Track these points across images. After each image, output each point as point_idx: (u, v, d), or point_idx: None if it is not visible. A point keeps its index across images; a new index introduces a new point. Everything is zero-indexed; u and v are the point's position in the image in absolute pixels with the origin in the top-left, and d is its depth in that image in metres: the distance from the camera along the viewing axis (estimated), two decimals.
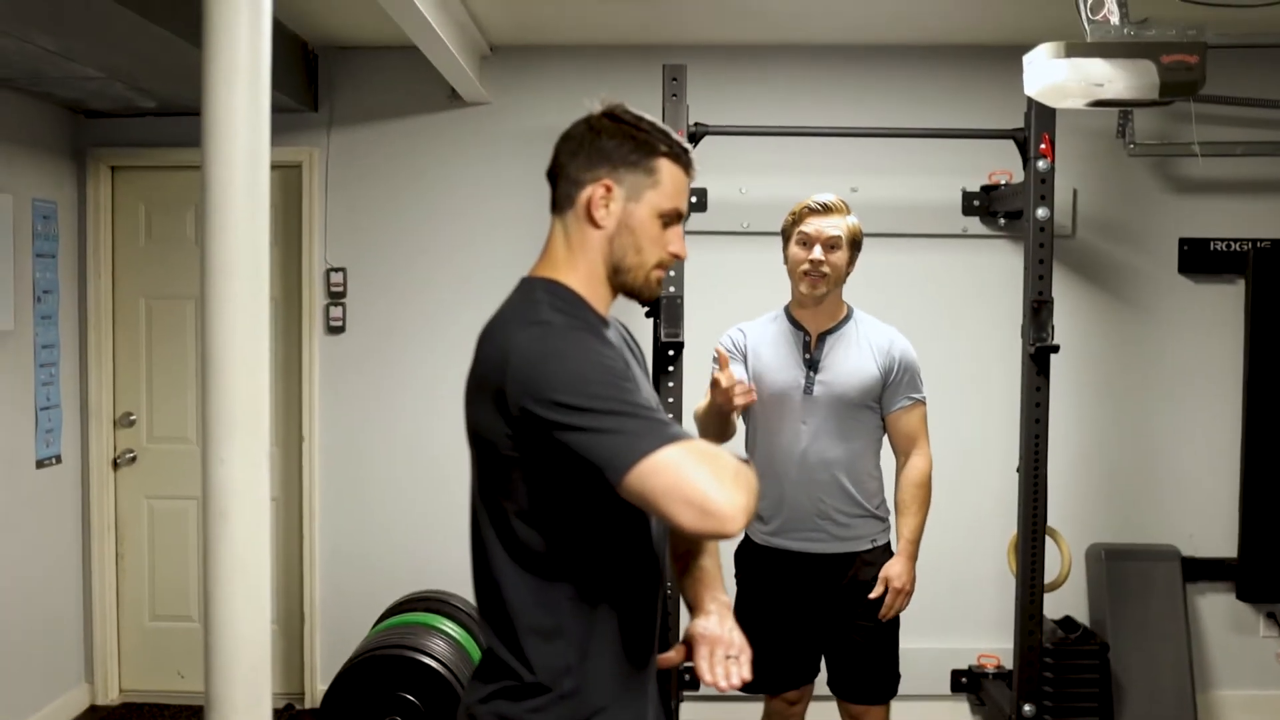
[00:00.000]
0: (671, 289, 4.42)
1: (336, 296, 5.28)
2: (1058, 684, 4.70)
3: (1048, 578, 4.67)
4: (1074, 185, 5.18)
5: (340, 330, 5.29)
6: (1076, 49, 3.30)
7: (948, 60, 5.18)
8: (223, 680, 1.94)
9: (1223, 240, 5.21)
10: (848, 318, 3.56)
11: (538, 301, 1.94)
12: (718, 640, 2.00)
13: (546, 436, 1.77)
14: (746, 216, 5.08)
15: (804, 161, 5.06)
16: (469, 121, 5.27)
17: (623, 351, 1.95)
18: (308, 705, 5.22)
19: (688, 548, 2.15)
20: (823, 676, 3.64)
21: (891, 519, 3.58)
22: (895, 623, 3.54)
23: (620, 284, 2.01)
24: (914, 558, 3.48)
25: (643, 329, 5.00)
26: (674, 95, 4.38)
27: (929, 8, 4.66)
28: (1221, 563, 5.18)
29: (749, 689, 3.50)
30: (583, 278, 1.99)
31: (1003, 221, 5.17)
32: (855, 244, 3.50)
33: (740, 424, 3.49)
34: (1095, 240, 5.24)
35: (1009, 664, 4.84)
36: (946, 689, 5.23)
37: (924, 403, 3.56)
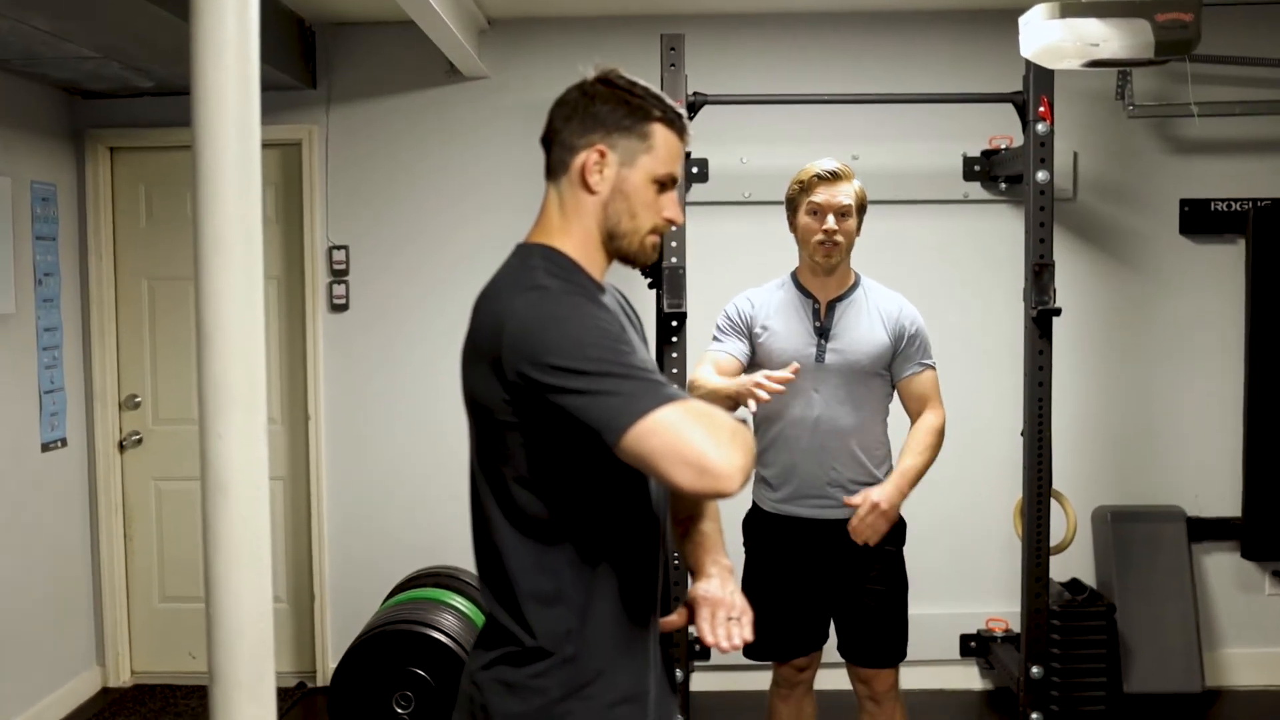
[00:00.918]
0: (673, 259, 4.41)
1: (339, 274, 5.28)
2: (1065, 646, 4.72)
3: (1053, 541, 4.68)
4: (1074, 148, 5.17)
5: (344, 308, 5.29)
6: (1071, 9, 3.29)
7: (946, 25, 5.16)
8: (226, 657, 1.93)
9: (1223, 200, 5.20)
10: (855, 285, 3.55)
11: (533, 267, 1.93)
12: (719, 602, 2.01)
13: (543, 401, 1.78)
14: (747, 186, 5.07)
15: (804, 130, 5.05)
16: (468, 96, 5.26)
17: (618, 316, 1.95)
18: (320, 682, 5.25)
19: (689, 512, 2.16)
20: (831, 642, 3.65)
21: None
22: (903, 587, 3.55)
23: (615, 249, 2.00)
24: (903, 491, 3.41)
25: (645, 300, 5.00)
26: (672, 65, 4.37)
27: None
28: (1226, 522, 5.20)
29: (758, 655, 3.53)
30: (578, 243, 1.98)
31: (1003, 186, 5.16)
32: (862, 209, 3.50)
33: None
34: (1096, 203, 5.24)
35: (1017, 627, 4.85)
36: (956, 653, 5.25)
37: (934, 368, 3.54)
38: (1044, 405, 4.51)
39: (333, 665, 4.82)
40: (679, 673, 4.56)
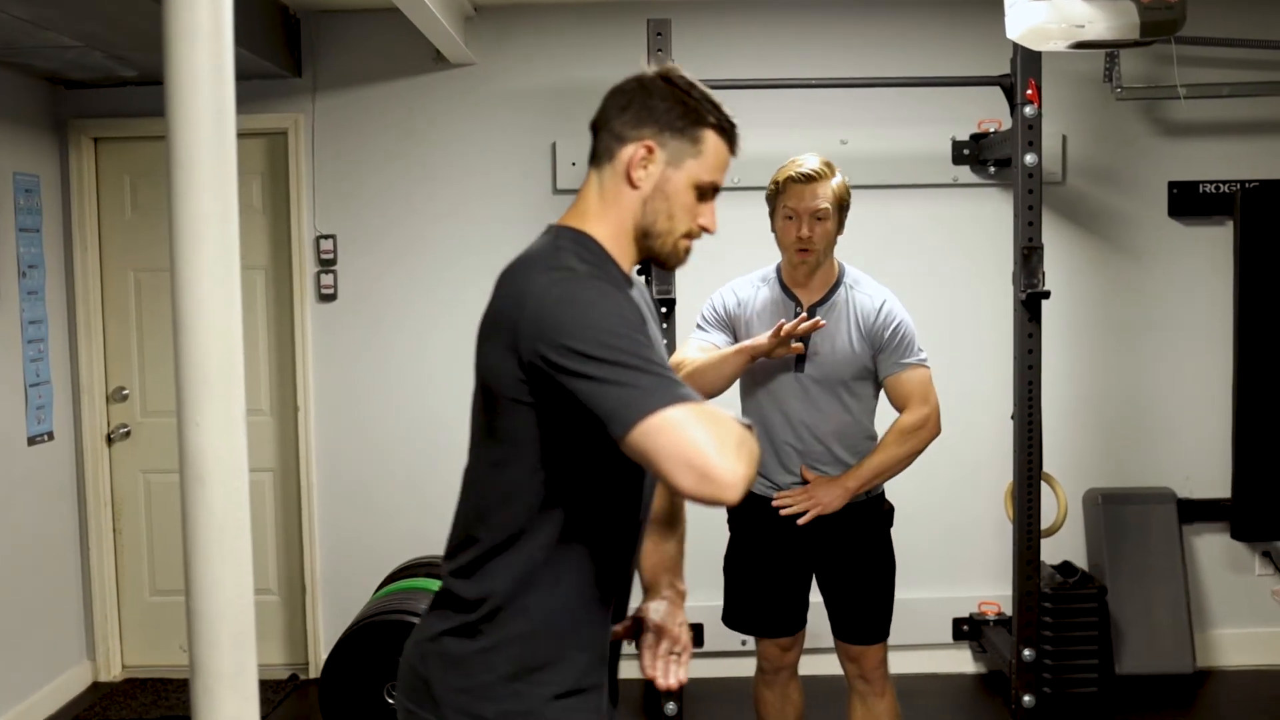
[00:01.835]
0: None
1: (327, 264, 5.25)
2: (1057, 628, 4.73)
3: (1044, 523, 4.69)
4: (1063, 132, 5.17)
5: (332, 298, 5.27)
6: None
7: (934, 8, 5.15)
8: (207, 649, 1.92)
9: (1211, 182, 5.20)
10: (838, 283, 3.48)
11: (562, 249, 1.92)
12: (666, 632, 2.02)
13: (555, 382, 1.76)
14: (737, 172, 4.97)
15: (792, 115, 5.04)
16: (454, 83, 5.24)
17: (641, 309, 1.92)
18: (312, 674, 5.23)
19: (662, 521, 2.15)
20: (817, 629, 3.64)
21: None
22: (890, 565, 3.53)
23: (647, 247, 1.98)
24: (850, 490, 3.39)
25: None
26: (659, 50, 4.35)
27: None
28: (1217, 504, 5.21)
29: (738, 627, 3.52)
30: (611, 233, 1.97)
31: (993, 170, 5.15)
32: (843, 207, 3.43)
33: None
34: (1085, 186, 5.23)
35: (1009, 611, 4.85)
36: (948, 637, 5.26)
37: (924, 365, 3.45)
38: (1034, 388, 4.51)
39: (324, 657, 4.80)
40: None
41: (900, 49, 5.11)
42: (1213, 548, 5.32)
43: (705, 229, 1.99)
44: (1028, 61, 4.35)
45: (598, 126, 1.99)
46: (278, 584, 5.42)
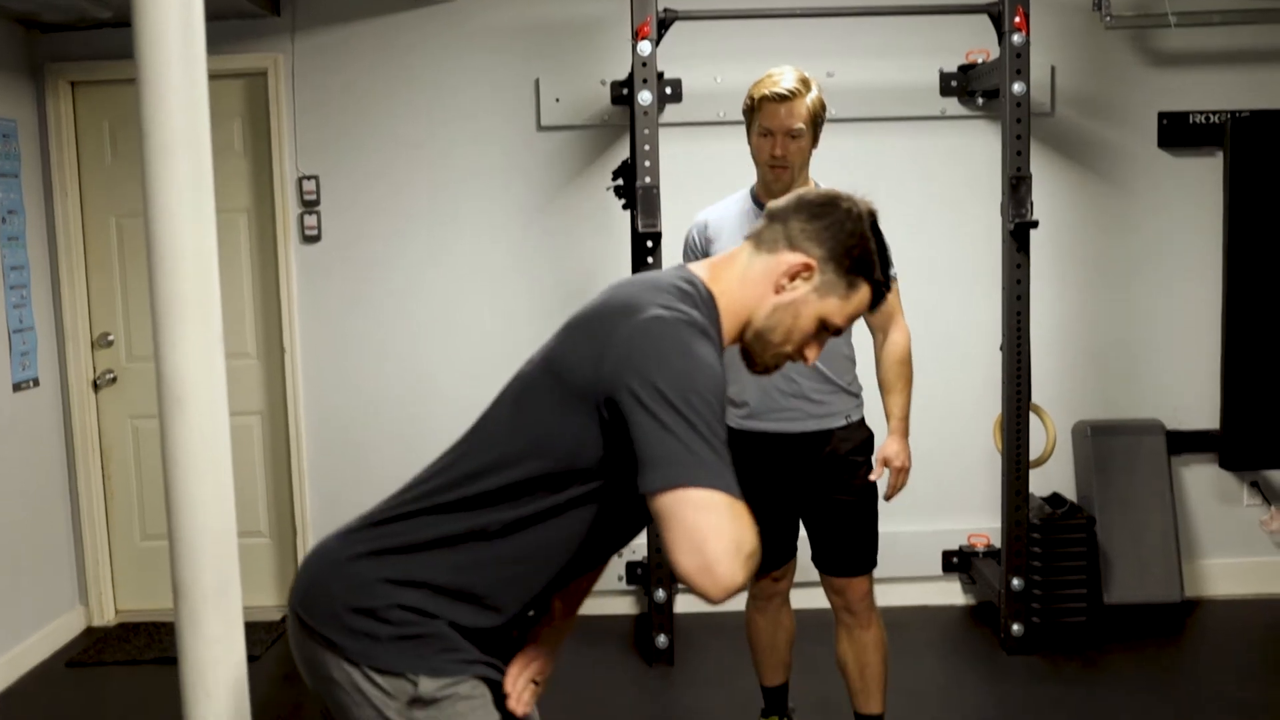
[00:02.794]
0: (647, 179, 4.38)
1: (310, 205, 5.21)
2: (1046, 558, 4.75)
3: (1033, 455, 4.70)
4: (1052, 62, 5.13)
5: (315, 239, 5.23)
6: None
7: None
8: (190, 572, 1.91)
9: (1201, 113, 5.16)
10: None
11: (689, 295, 1.91)
12: (536, 658, 2.05)
13: (619, 409, 1.75)
14: (722, 105, 5.01)
15: (779, 46, 4.97)
16: (436, 20, 5.17)
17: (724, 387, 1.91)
18: None
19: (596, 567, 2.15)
20: (807, 564, 3.65)
21: (864, 395, 3.56)
22: (873, 496, 3.54)
23: (747, 341, 2.00)
24: (907, 434, 3.47)
25: (620, 220, 4.97)
26: None
27: None
28: (1205, 434, 5.22)
29: None
30: (732, 309, 1.96)
31: (981, 101, 5.11)
32: (817, 123, 3.43)
33: None
34: (1074, 116, 5.20)
35: (999, 543, 4.88)
36: (938, 570, 5.28)
37: (894, 278, 3.45)
38: (1022, 319, 4.50)
39: None
40: (660, 593, 4.59)
41: None
42: (1201, 478, 5.33)
43: (805, 359, 2.02)
44: None
45: (776, 215, 2.00)
46: (268, 526, 5.42)
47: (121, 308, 5.36)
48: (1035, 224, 4.39)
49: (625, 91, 4.95)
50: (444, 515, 1.88)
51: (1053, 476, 5.15)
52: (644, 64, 4.37)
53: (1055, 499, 4.97)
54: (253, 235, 5.31)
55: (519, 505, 1.87)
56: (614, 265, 5.08)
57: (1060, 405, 5.14)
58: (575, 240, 5.23)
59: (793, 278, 1.94)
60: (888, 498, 3.47)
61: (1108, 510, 5.07)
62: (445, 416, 5.25)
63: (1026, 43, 4.33)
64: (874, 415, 3.52)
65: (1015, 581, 4.64)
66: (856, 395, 3.54)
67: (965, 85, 5.10)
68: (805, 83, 3.39)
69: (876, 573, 3.58)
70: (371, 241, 5.25)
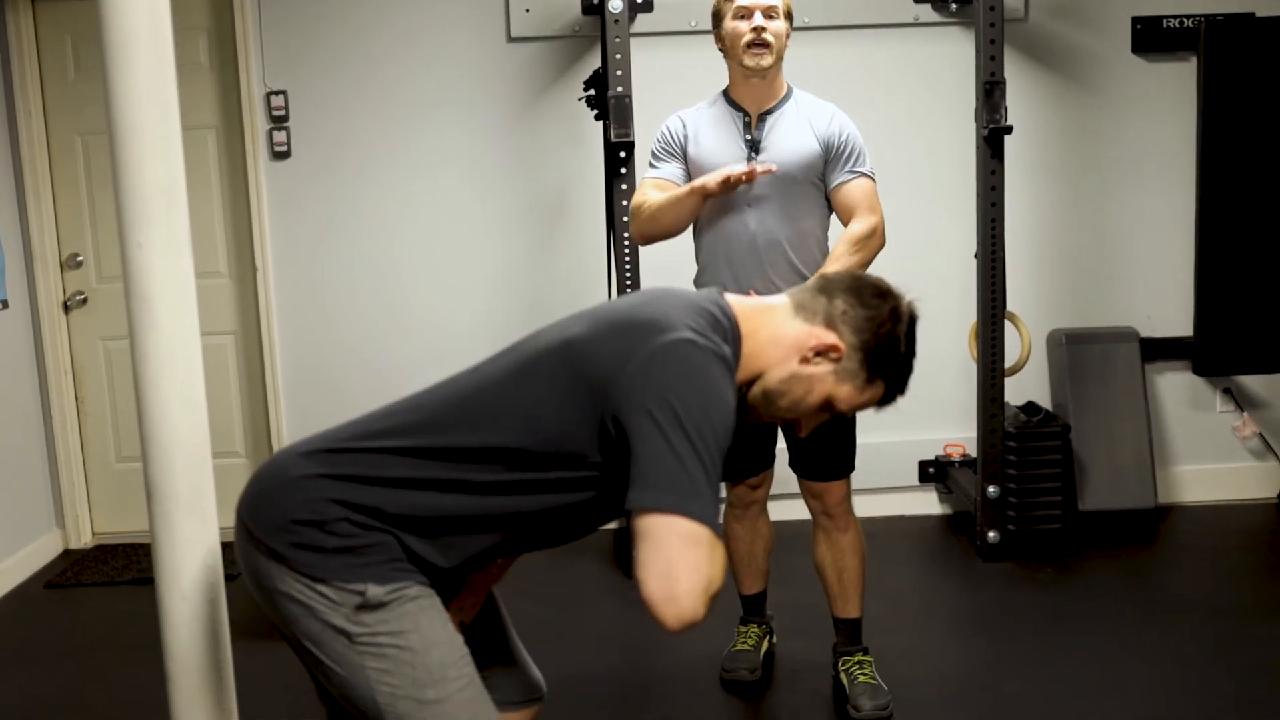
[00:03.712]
0: (619, 89, 4.33)
1: (279, 121, 5.14)
2: (1021, 466, 4.78)
3: (1008, 363, 4.71)
4: None
5: (285, 155, 5.17)
6: None
7: None
8: (163, 472, 1.90)
9: (1175, 17, 5.13)
10: (787, 96, 3.50)
11: (721, 326, 1.92)
12: (464, 605, 2.12)
13: (629, 416, 1.76)
14: (693, 14, 4.95)
15: None
16: None
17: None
18: None
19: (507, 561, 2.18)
20: (784, 471, 3.66)
21: None
22: None
23: (752, 394, 2.00)
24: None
25: (592, 131, 4.93)
26: None
27: None
28: (1179, 341, 5.24)
29: None
30: (752, 356, 1.98)
31: (954, 7, 5.06)
32: (789, 14, 3.44)
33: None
34: (1047, 22, 5.16)
35: (974, 453, 4.90)
36: (914, 480, 5.31)
37: (870, 177, 3.46)
38: (997, 226, 4.50)
39: None
40: None
41: None
42: (1175, 386, 5.36)
43: (799, 430, 2.07)
44: None
45: (826, 288, 2.01)
46: (244, 447, 5.41)
47: (90, 228, 5.30)
48: (1009, 129, 4.37)
49: (596, 1, 4.88)
50: (413, 459, 1.87)
51: (1028, 385, 5.17)
52: None
53: (1030, 407, 4.99)
54: (221, 152, 5.24)
55: (489, 470, 1.86)
56: (588, 177, 5.05)
57: (1034, 314, 5.15)
58: (548, 152, 5.18)
59: (819, 354, 1.96)
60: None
61: (1082, 418, 5.10)
62: (420, 334, 5.25)
63: None
64: None
65: (991, 489, 4.67)
66: None
67: None
68: None
69: (854, 484, 3.60)
70: (343, 157, 5.19)
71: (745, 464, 3.61)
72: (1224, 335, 5.04)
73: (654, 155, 3.55)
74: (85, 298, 5.32)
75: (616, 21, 4.33)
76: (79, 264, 5.30)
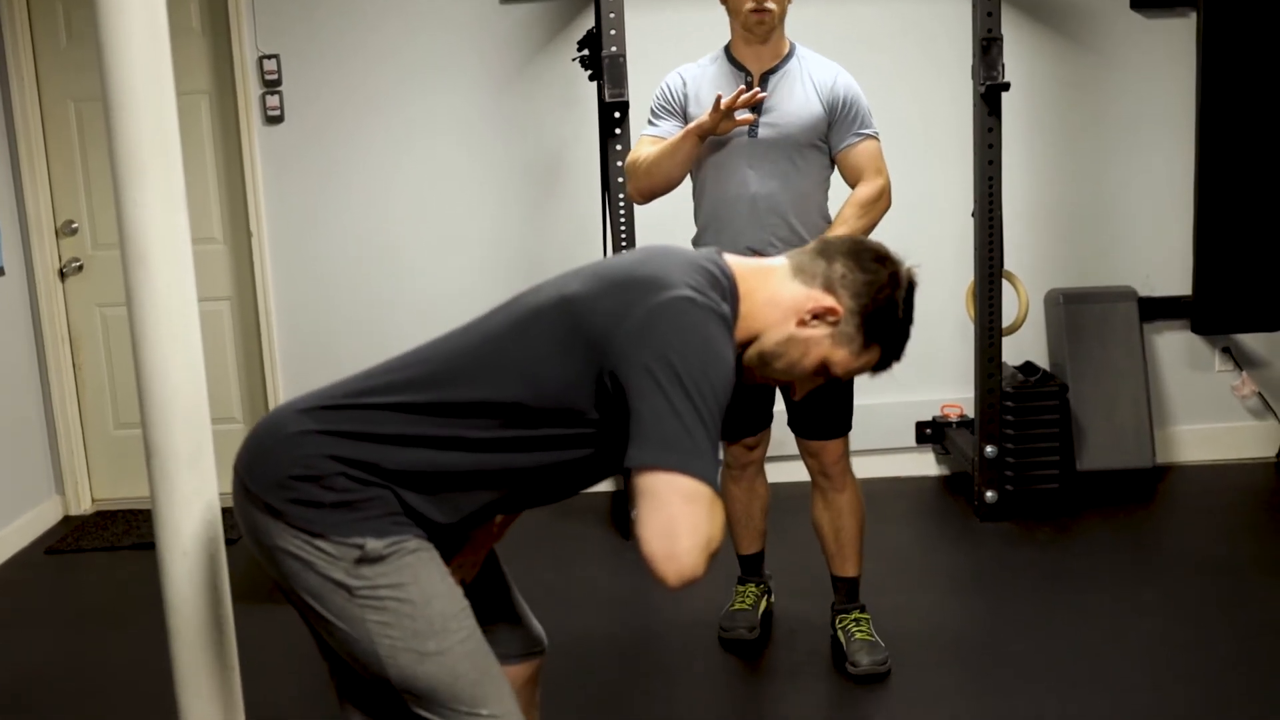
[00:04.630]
0: (613, 48, 4.31)
1: (272, 85, 5.11)
2: (1019, 426, 4.77)
3: (1006, 322, 4.71)
4: None
5: (279, 120, 5.14)
6: None
7: None
8: (162, 431, 1.90)
9: None
10: (790, 55, 3.45)
11: (720, 284, 1.91)
12: (464, 563, 2.13)
13: (628, 373, 1.75)
14: None
15: None
16: None
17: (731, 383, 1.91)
18: None
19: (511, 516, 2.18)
20: (783, 433, 3.66)
21: None
22: None
23: (748, 354, 1.99)
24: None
25: (587, 91, 4.90)
26: None
27: None
28: (1177, 300, 5.23)
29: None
30: (749, 318, 1.97)
31: None
32: None
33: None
34: None
35: (972, 413, 4.90)
36: (912, 441, 5.32)
37: (876, 138, 3.44)
38: (994, 184, 4.48)
39: None
40: None
41: None
42: (1173, 345, 5.36)
43: (794, 393, 2.05)
44: None
45: (826, 251, 1.99)
46: (241, 412, 5.41)
47: (85, 194, 5.28)
48: (1007, 86, 4.35)
49: None
50: (409, 415, 1.86)
51: (1025, 345, 5.17)
52: None
53: (1028, 367, 4.99)
54: (214, 118, 5.21)
55: (486, 427, 1.86)
56: (583, 138, 5.03)
57: (1032, 274, 5.14)
58: (542, 114, 5.16)
59: (817, 317, 1.95)
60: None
61: (1080, 378, 5.10)
62: (416, 297, 5.24)
63: None
64: None
65: (989, 449, 4.67)
66: None
67: None
68: None
69: (851, 445, 3.60)
70: (336, 121, 5.17)
71: (742, 424, 3.61)
72: (1223, 294, 5.02)
73: (652, 113, 3.51)
74: (81, 265, 5.31)
75: None
76: (74, 231, 5.29)
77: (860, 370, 2.00)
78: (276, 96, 5.12)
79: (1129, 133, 5.20)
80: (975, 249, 4.60)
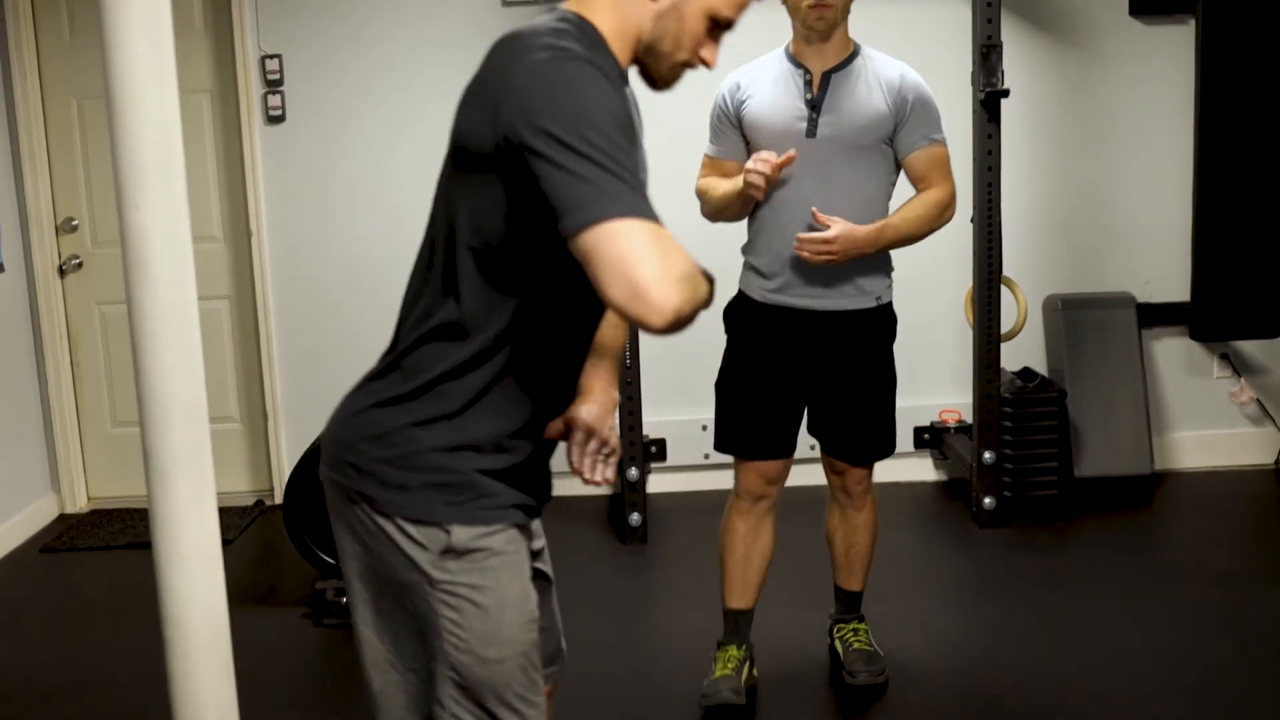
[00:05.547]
0: None
1: (273, 85, 5.11)
2: (1017, 432, 4.78)
3: (1005, 328, 4.71)
4: None
5: (280, 120, 5.14)
6: None
7: None
8: (160, 437, 1.88)
9: None
10: (855, 54, 3.29)
11: (564, 31, 1.80)
12: (595, 433, 2.02)
13: (524, 162, 1.68)
14: None
15: None
16: None
17: (630, 113, 1.80)
18: (278, 500, 5.24)
19: (607, 337, 2.12)
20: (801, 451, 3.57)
21: (895, 275, 3.41)
22: (892, 384, 3.44)
23: (642, 62, 1.90)
24: (874, 239, 3.20)
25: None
26: None
27: None
28: (1176, 307, 5.23)
29: (725, 446, 3.42)
30: (614, 31, 1.86)
31: None
32: None
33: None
34: None
35: (970, 419, 4.90)
36: (910, 446, 5.30)
37: (943, 143, 3.32)
38: (993, 190, 4.48)
39: None
40: (633, 471, 4.60)
41: None
42: (1172, 351, 5.36)
43: (705, 63, 1.92)
44: None
45: None
46: (239, 412, 5.41)
47: (85, 191, 5.28)
48: (1006, 93, 4.35)
49: None
50: (431, 345, 1.87)
51: (1024, 351, 5.17)
52: None
53: (1026, 373, 4.99)
54: (216, 117, 5.21)
55: (489, 318, 1.82)
56: None
57: (1030, 279, 5.13)
58: None
59: None
60: (798, 239, 3.16)
61: (1078, 384, 5.10)
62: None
63: None
64: (902, 299, 3.47)
65: (987, 455, 4.67)
66: (888, 276, 3.38)
67: None
68: None
69: None
70: (337, 121, 5.16)
71: (767, 441, 3.38)
72: (1221, 300, 5.03)
73: (712, 131, 3.37)
74: (80, 262, 5.31)
75: None
76: (74, 228, 5.29)
77: (745, 5, 1.89)
78: (278, 96, 5.11)
79: (1128, 138, 5.21)
80: (974, 255, 4.61)
